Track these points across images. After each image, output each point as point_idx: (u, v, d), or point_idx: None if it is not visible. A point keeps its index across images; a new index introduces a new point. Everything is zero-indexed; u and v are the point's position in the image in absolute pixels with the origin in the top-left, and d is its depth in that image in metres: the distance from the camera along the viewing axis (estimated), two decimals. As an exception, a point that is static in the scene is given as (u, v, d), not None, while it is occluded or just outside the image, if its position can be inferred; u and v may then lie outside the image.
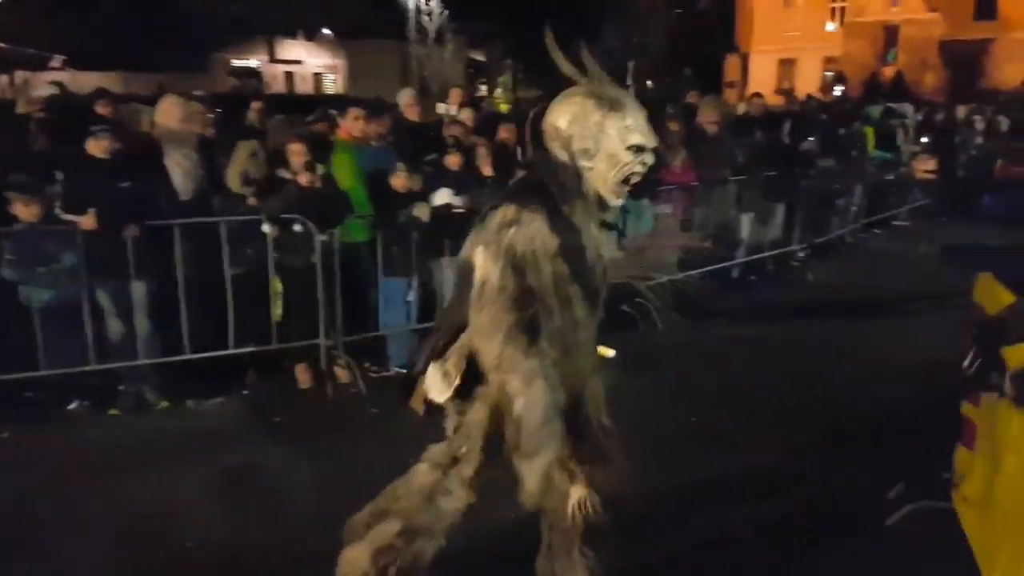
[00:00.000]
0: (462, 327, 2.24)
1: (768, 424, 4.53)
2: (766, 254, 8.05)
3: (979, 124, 12.39)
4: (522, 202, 2.12)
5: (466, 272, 2.20)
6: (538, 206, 2.11)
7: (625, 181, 2.22)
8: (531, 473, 2.08)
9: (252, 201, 5.02)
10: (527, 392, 2.06)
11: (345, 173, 5.30)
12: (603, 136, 2.16)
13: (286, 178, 5.18)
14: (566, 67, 2.21)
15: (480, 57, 47.56)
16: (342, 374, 5.26)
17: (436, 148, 5.83)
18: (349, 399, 5.05)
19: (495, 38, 43.70)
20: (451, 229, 5.46)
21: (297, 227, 4.97)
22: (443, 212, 5.41)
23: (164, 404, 4.91)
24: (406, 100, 6.74)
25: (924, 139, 10.97)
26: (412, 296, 5.48)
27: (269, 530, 3.51)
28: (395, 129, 5.91)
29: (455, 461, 2.38)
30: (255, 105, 7.00)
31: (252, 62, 41.15)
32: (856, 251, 9.50)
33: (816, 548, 3.33)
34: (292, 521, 3.57)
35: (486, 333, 2.10)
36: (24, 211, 4.51)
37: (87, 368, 4.72)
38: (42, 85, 10.36)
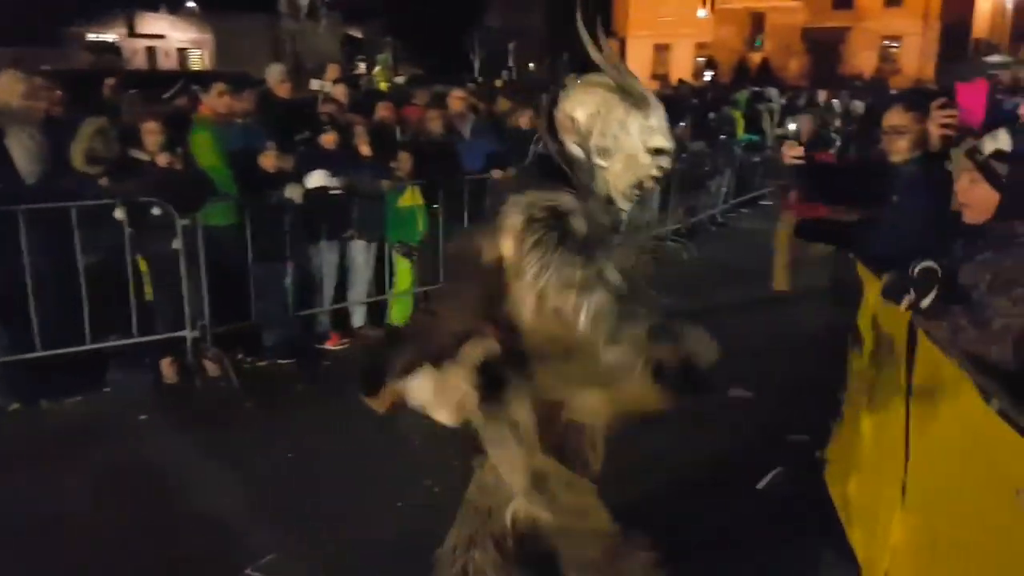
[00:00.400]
0: (462, 335, 1.95)
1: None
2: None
3: (838, 108, 13.23)
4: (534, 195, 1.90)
5: (471, 266, 1.94)
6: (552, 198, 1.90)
7: (639, 185, 2.04)
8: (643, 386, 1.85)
9: (103, 182, 4.66)
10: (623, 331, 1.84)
11: (206, 152, 5.01)
12: (624, 135, 1.97)
13: (140, 158, 4.83)
14: (595, 54, 2.00)
15: (358, 34, 46.42)
16: (211, 367, 5.00)
17: (309, 126, 5.61)
18: (220, 393, 4.82)
19: (373, 15, 42.76)
20: (327, 211, 5.32)
21: (155, 211, 4.67)
22: (319, 194, 5.22)
23: (15, 406, 4.51)
24: (275, 76, 6.45)
25: (792, 125, 11.58)
26: (288, 282, 5.28)
27: (138, 537, 3.31)
28: (264, 106, 5.64)
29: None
30: (109, 81, 6.52)
31: (110, 36, 38.48)
32: (727, 229, 9.95)
33: (690, 514, 3.44)
34: (164, 525, 3.38)
35: (560, 287, 1.82)
36: None
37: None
38: None
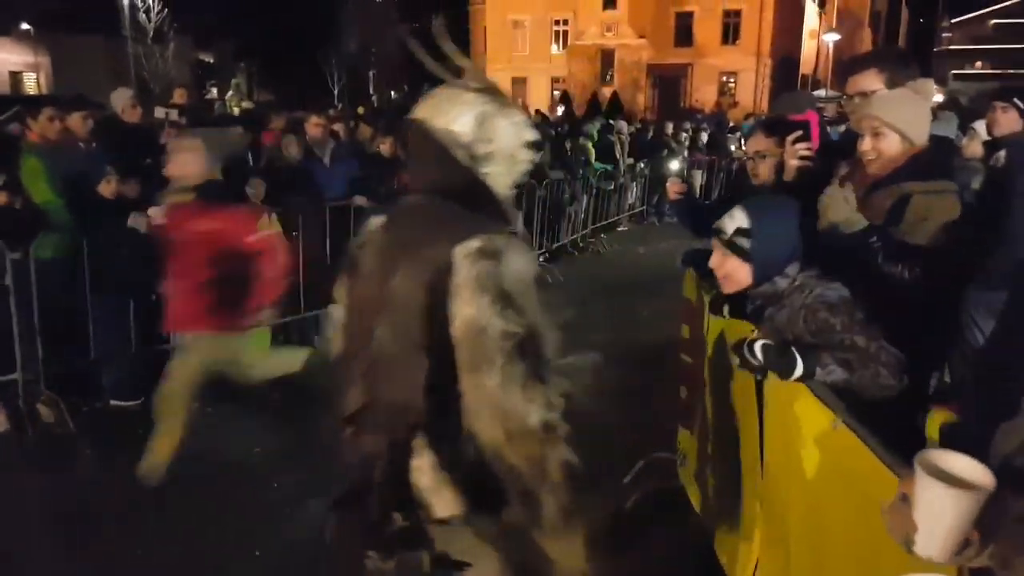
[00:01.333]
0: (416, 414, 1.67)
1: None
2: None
3: (684, 139, 14.05)
4: (481, 228, 1.67)
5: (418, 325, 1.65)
6: (502, 229, 1.71)
7: (515, 184, 1.91)
8: (574, 549, 1.72)
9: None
10: (561, 453, 1.68)
11: (38, 181, 4.64)
12: (502, 136, 1.84)
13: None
14: (460, 60, 1.92)
15: (209, 58, 44.72)
16: (45, 412, 4.58)
17: (153, 153, 5.32)
18: (56, 441, 4.42)
19: (226, 38, 41.39)
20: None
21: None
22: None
23: None
24: (123, 100, 6.07)
25: (673, 165, 12.18)
26: (130, 316, 4.93)
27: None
28: (105, 132, 5.30)
29: None
30: None
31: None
32: (587, 253, 10.33)
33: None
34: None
35: (501, 393, 1.59)
36: None
37: None
38: None
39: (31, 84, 38.81)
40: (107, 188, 4.77)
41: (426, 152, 1.82)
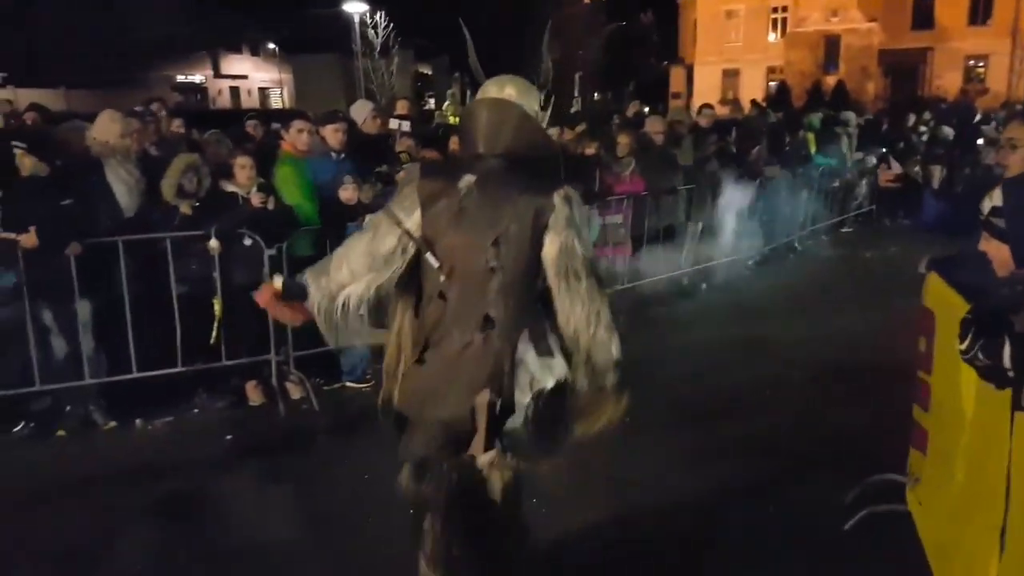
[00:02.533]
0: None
1: (720, 435, 4.53)
2: (716, 262, 8.17)
3: (924, 132, 12.72)
4: (559, 181, 2.29)
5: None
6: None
7: None
8: (619, 410, 2.37)
9: (185, 210, 4.91)
10: (617, 341, 2.30)
11: (290, 186, 5.23)
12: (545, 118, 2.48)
13: (228, 192, 5.09)
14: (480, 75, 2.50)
15: (427, 70, 47.54)
16: (294, 390, 5.19)
17: (387, 161, 5.80)
18: (302, 415, 4.99)
19: (442, 51, 43.78)
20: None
21: (247, 241, 4.90)
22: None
23: (112, 425, 4.78)
24: (363, 112, 6.69)
25: (884, 149, 11.22)
26: (364, 310, 5.41)
27: (224, 554, 3.43)
28: (347, 142, 5.85)
29: None
30: (176, 123, 6.92)
31: (197, 78, 40.57)
32: (804, 257, 9.73)
33: (776, 556, 3.37)
34: (248, 544, 3.49)
35: (596, 297, 2.26)
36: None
37: (32, 389, 4.59)
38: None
39: (276, 99, 43.57)
40: (345, 193, 5.28)
41: (510, 124, 2.31)
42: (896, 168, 3.49)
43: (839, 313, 6.92)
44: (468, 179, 2.28)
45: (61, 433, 4.67)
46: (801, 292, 7.86)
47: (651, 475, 3.96)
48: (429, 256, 2.29)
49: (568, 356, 2.31)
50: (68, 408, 4.77)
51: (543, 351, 2.29)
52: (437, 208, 2.28)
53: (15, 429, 4.66)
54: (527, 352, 2.27)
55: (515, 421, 2.25)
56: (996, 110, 16.07)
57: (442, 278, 2.28)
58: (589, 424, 2.36)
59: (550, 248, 2.22)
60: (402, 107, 8.52)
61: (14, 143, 4.60)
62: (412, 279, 2.37)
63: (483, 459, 2.27)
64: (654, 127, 7.71)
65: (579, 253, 2.23)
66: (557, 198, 2.22)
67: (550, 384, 2.28)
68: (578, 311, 2.24)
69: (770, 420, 4.70)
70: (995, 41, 35.82)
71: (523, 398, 2.25)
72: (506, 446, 2.27)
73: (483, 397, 2.23)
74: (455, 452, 2.29)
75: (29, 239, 4.38)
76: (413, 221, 2.30)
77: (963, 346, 2.18)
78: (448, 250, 2.27)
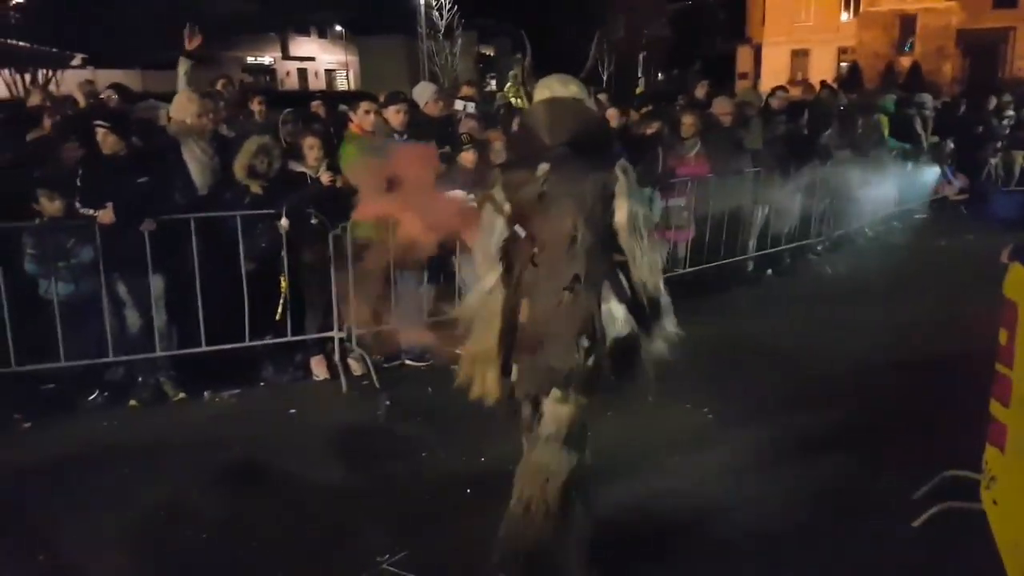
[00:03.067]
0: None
1: (786, 422, 4.44)
2: (783, 247, 7.97)
3: (1008, 116, 12.04)
4: (615, 157, 2.86)
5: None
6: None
7: None
8: (670, 345, 2.89)
9: (255, 189, 5.01)
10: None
11: (355, 166, 5.28)
12: None
13: (297, 172, 5.19)
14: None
15: (490, 52, 47.44)
16: (356, 367, 5.28)
17: (450, 142, 5.81)
18: (363, 391, 5.08)
19: (504, 33, 43.61)
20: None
21: (313, 221, 4.98)
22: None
23: (181, 396, 4.95)
24: (427, 94, 6.71)
25: (951, 144, 10.73)
26: (423, 290, 5.48)
27: (287, 525, 3.53)
28: (409, 123, 5.88)
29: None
30: (256, 100, 7.03)
31: (266, 59, 41.39)
32: (875, 244, 9.41)
33: (843, 550, 3.30)
34: (309, 515, 3.59)
35: (651, 251, 2.80)
36: (46, 206, 4.56)
37: (106, 360, 4.79)
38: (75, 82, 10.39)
39: (342, 81, 44.14)
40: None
41: (572, 116, 2.78)
42: (960, 182, 3.35)
43: (912, 303, 6.69)
44: (543, 167, 2.70)
45: (133, 403, 4.85)
46: (871, 280, 7.59)
47: (729, 469, 3.93)
48: (520, 230, 2.75)
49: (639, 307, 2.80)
50: (140, 379, 4.95)
51: (623, 299, 2.79)
52: (522, 196, 2.74)
53: (90, 398, 4.85)
54: (610, 300, 2.78)
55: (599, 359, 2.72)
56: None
57: (535, 250, 2.71)
58: (656, 365, 2.85)
59: (619, 213, 2.73)
60: (467, 89, 8.51)
61: (96, 122, 4.77)
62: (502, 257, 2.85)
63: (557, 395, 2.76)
64: (721, 108, 7.53)
65: (640, 213, 2.77)
66: (618, 170, 2.74)
67: (626, 330, 2.80)
68: (645, 261, 2.76)
69: (845, 410, 4.59)
70: (1086, 19, 33.86)
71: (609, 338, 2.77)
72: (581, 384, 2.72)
73: (581, 342, 2.67)
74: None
75: (106, 215, 4.55)
76: (505, 211, 2.79)
77: None
78: (537, 226, 2.73)
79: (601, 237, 2.72)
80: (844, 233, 8.94)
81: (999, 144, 11.24)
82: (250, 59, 39.10)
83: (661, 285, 2.84)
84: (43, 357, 4.61)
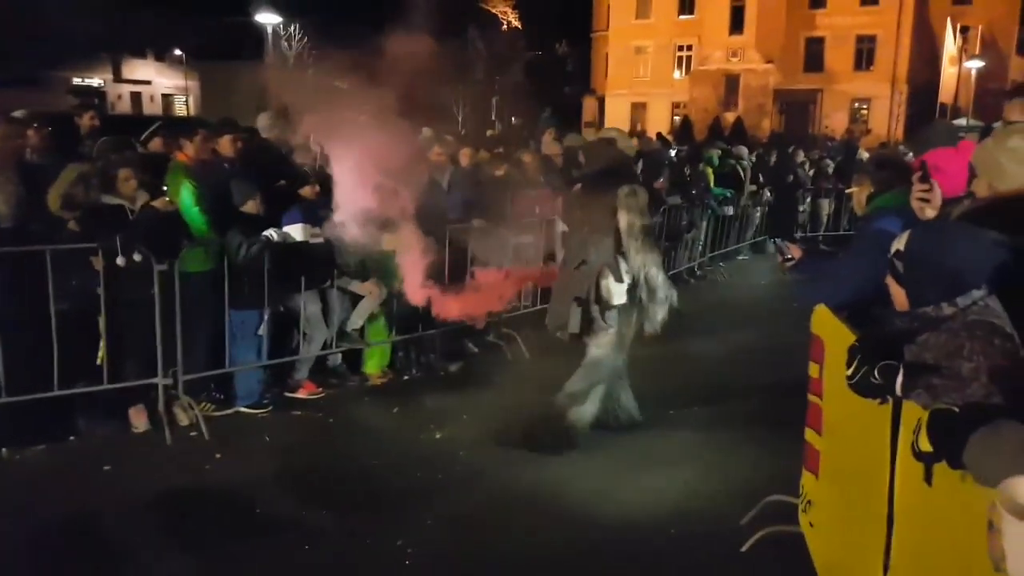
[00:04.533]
0: None
1: (622, 450, 4.62)
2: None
3: (807, 167, 13.54)
4: (628, 183, 4.64)
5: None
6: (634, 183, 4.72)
7: None
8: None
9: (72, 226, 4.61)
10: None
11: (186, 198, 4.99)
12: None
13: (114, 204, 4.79)
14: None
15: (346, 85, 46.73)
16: (182, 416, 4.90)
17: (289, 176, 5.62)
18: (190, 443, 4.71)
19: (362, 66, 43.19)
20: (309, 260, 5.27)
21: (136, 256, 4.58)
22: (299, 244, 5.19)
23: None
24: (264, 123, 6.45)
25: (768, 192, 11.80)
26: (263, 330, 5.21)
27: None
28: (249, 153, 5.64)
29: None
30: (86, 122, 6.52)
31: (96, 81, 38.68)
32: (704, 282, 10.05)
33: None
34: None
35: (644, 247, 4.55)
36: None
37: None
38: None
39: (181, 106, 42.02)
40: (251, 206, 5.08)
41: (603, 152, 4.79)
42: (791, 254, 3.73)
43: (737, 333, 7.17)
44: (577, 185, 4.88)
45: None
46: (700, 314, 8.06)
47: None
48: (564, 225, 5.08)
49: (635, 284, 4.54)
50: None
51: (618, 279, 4.50)
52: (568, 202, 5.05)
53: None
54: (608, 279, 4.50)
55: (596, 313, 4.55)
56: (875, 149, 17.22)
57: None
58: (651, 323, 4.61)
59: (621, 221, 4.44)
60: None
61: None
62: None
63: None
64: (552, 149, 7.88)
65: (637, 223, 4.43)
66: (621, 192, 4.46)
67: (617, 300, 4.55)
68: (638, 257, 4.48)
69: (668, 435, 4.85)
70: (877, 86, 38.43)
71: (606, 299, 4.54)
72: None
73: (573, 304, 4.55)
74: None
75: None
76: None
77: (849, 372, 2.26)
78: (570, 222, 4.89)
79: (607, 235, 4.46)
80: (676, 272, 9.47)
81: (805, 192, 12.58)
82: (77, 80, 36.41)
83: (654, 270, 4.49)
84: None
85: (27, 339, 4.49)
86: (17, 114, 6.00)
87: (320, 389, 5.52)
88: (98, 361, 4.65)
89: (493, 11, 46.79)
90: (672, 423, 5.09)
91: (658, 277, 4.49)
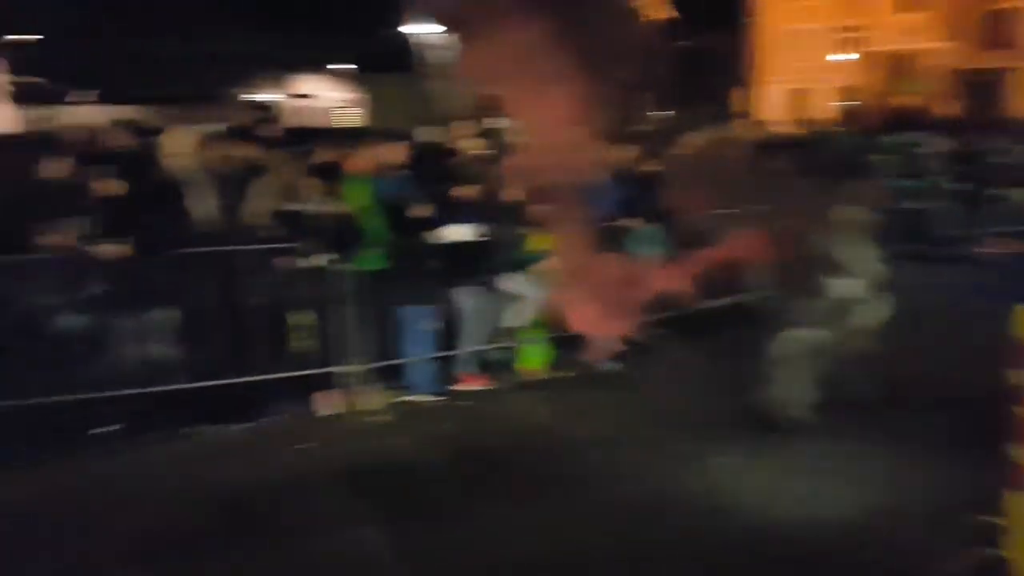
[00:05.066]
0: None
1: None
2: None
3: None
4: None
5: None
6: None
7: None
8: None
9: (264, 231, 5.11)
10: None
11: (359, 203, 5.35)
12: None
13: (300, 210, 5.27)
14: None
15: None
16: (365, 401, 5.28)
17: (454, 178, 5.90)
18: (368, 427, 5.07)
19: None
20: (468, 257, 5.53)
21: (320, 257, 5.04)
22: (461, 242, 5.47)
23: (186, 430, 4.94)
24: (427, 132, 6.82)
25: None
26: (430, 325, 5.51)
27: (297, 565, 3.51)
28: (416, 159, 5.97)
29: None
30: (264, 134, 7.14)
31: (270, 96, 41.87)
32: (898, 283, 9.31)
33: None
34: (328, 556, 3.56)
35: None
36: (55, 240, 4.65)
37: (110, 394, 4.79)
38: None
39: (348, 118, 44.54)
40: (417, 210, 5.39)
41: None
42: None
43: (926, 339, 6.45)
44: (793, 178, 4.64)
45: (140, 437, 4.83)
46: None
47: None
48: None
49: None
50: (146, 413, 4.92)
51: (835, 274, 4.49)
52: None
53: (96, 431, 4.83)
54: (824, 272, 4.48)
55: None
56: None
57: None
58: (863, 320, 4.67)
59: (841, 214, 4.51)
60: (463, 128, 8.62)
61: (100, 161, 4.86)
62: None
63: None
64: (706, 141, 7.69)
65: (857, 218, 4.55)
66: (842, 185, 4.73)
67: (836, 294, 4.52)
68: (855, 251, 4.57)
69: (845, 440, 4.54)
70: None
71: None
72: None
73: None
74: None
75: (115, 250, 4.65)
76: None
77: None
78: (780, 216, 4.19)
79: (824, 230, 4.39)
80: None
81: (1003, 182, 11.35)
82: (253, 96, 39.55)
83: (870, 266, 4.62)
84: (49, 390, 4.61)
85: (226, 331, 5.02)
86: (213, 127, 6.69)
87: (486, 382, 5.74)
88: (289, 350, 5.13)
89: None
90: (850, 427, 4.68)
91: (872, 273, 4.47)
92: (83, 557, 3.54)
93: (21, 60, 26.56)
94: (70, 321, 4.72)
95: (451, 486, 4.22)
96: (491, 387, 5.72)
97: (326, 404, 5.27)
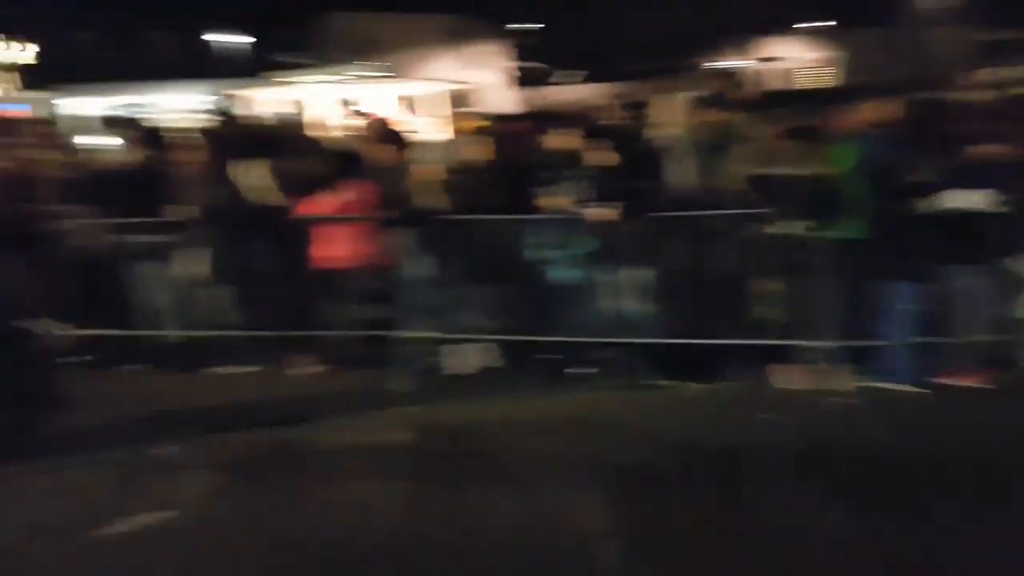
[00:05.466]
0: None
1: None
2: None
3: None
4: None
5: None
6: None
7: None
8: None
9: (742, 198, 5.07)
10: None
11: (845, 166, 4.99)
12: None
13: (778, 175, 5.12)
14: None
15: (991, 37, 40.59)
16: (829, 382, 4.97)
17: (959, 138, 5.12)
18: (837, 410, 4.75)
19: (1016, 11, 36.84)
20: (974, 231, 4.77)
21: (795, 224, 4.86)
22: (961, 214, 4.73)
23: (647, 382, 5.26)
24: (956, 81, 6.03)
25: None
26: (915, 305, 4.91)
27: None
28: (914, 118, 5.34)
29: None
30: (742, 100, 7.01)
31: (739, 62, 41.64)
32: None
33: None
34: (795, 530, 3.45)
35: None
36: (547, 202, 5.33)
37: (587, 340, 5.36)
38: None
39: (822, 78, 42.07)
40: (917, 173, 4.85)
41: None
42: None
43: None
44: None
45: (612, 383, 5.29)
46: None
47: None
48: None
49: None
50: (623, 361, 5.37)
51: None
52: None
53: (572, 370, 5.41)
54: None
55: None
56: None
57: None
58: None
59: None
60: (971, 78, 7.44)
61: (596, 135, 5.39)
62: None
63: None
64: None
65: None
66: None
67: None
68: None
69: None
70: None
71: None
72: None
73: None
74: None
75: (609, 213, 5.11)
76: None
77: None
78: None
79: None
80: None
81: None
82: (722, 64, 39.67)
83: None
84: (538, 329, 5.39)
85: (693, 293, 5.21)
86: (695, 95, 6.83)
87: (982, 379, 4.91)
88: (751, 317, 5.13)
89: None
90: None
91: None
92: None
93: (522, 47, 30.72)
94: (561, 272, 5.37)
95: (934, 486, 3.74)
96: (987, 386, 4.90)
97: (784, 377, 5.10)
